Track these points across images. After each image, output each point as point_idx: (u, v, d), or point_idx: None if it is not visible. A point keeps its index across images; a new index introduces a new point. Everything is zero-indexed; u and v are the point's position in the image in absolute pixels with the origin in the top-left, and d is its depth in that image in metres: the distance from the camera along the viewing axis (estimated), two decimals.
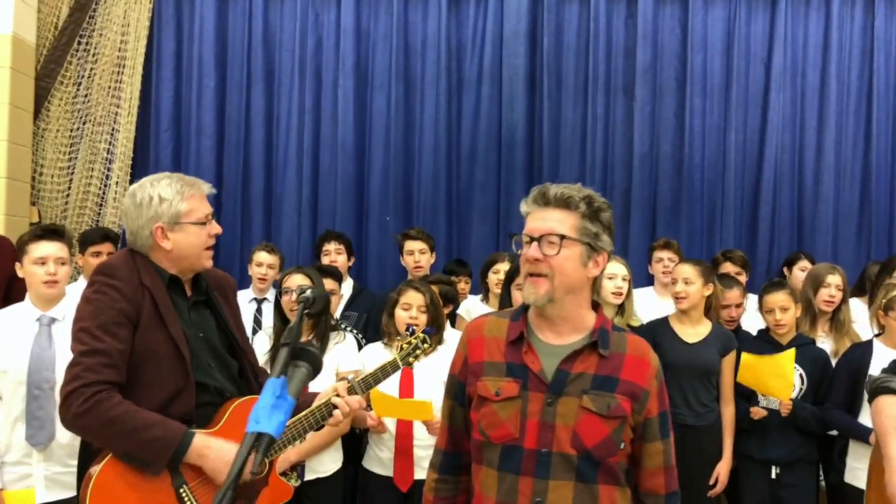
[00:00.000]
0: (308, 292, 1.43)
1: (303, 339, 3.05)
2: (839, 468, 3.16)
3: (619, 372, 1.63)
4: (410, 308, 3.02)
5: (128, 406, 1.87)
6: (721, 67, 5.05)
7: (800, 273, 4.24)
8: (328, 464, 3.00)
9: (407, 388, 2.97)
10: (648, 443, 1.67)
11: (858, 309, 3.85)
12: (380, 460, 2.99)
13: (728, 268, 4.06)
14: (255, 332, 3.69)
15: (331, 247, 4.23)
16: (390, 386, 2.90)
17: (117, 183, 4.82)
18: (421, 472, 2.93)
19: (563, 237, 1.59)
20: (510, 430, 1.61)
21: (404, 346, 2.56)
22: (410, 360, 2.56)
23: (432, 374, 2.99)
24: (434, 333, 2.68)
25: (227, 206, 4.95)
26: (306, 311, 1.40)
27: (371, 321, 3.83)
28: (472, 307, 3.89)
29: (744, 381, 3.19)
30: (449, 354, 3.05)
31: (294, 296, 2.66)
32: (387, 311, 3.10)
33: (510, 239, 1.73)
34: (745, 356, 3.19)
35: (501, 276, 3.67)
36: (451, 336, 3.19)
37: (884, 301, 3.07)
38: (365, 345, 3.31)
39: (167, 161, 4.92)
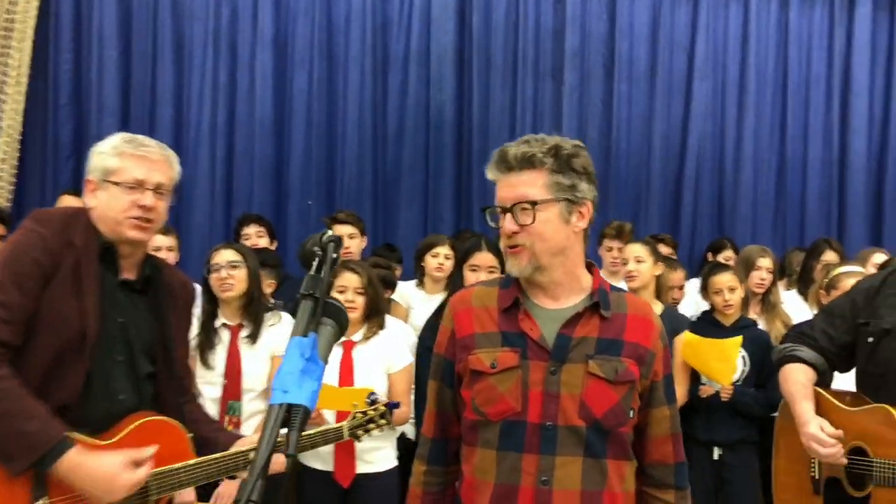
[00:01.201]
0: (329, 233, 1.18)
1: (232, 322, 2.77)
2: None
3: (623, 333, 1.49)
4: (346, 291, 2.78)
5: (13, 384, 1.60)
6: (646, 55, 5.07)
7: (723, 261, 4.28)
8: None
9: (347, 374, 2.74)
10: (655, 408, 1.54)
11: (781, 293, 3.91)
12: (318, 454, 2.74)
13: (662, 250, 4.04)
14: None
15: (251, 230, 3.93)
16: (329, 373, 2.68)
17: (4, 160, 4.30)
18: (364, 466, 2.73)
19: (534, 203, 1.44)
20: (511, 404, 1.45)
21: (358, 415, 2.29)
22: (359, 433, 2.28)
23: (374, 361, 2.78)
24: (396, 408, 2.42)
25: None
26: (336, 253, 1.14)
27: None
28: (407, 293, 3.70)
29: (686, 357, 3.16)
30: (390, 341, 2.90)
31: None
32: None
33: (483, 213, 1.57)
34: (688, 335, 3.16)
35: (441, 259, 3.51)
36: (390, 323, 2.98)
37: (825, 281, 3.10)
38: None
39: (67, 140, 4.45)
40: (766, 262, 3.66)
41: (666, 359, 1.55)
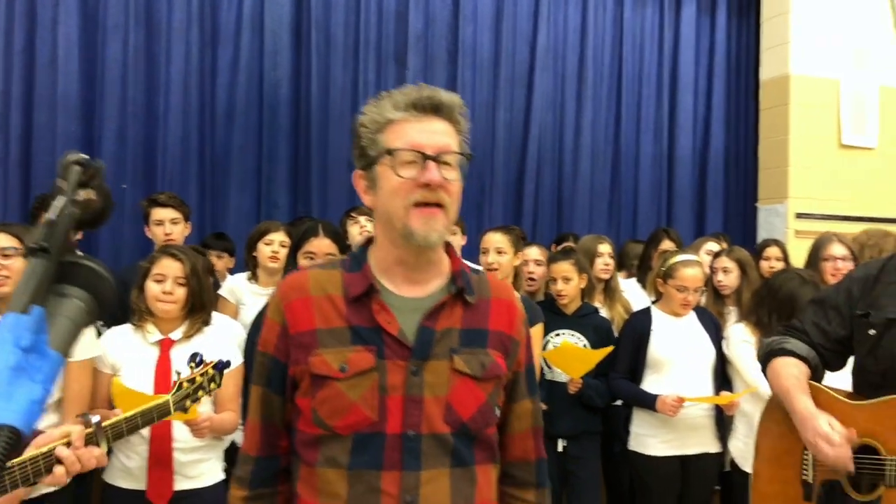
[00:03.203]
0: (76, 154, 0.77)
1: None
2: (623, 437, 3.17)
3: (487, 322, 1.29)
4: (165, 280, 2.41)
5: None
6: (490, 42, 5.02)
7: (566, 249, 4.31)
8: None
9: (163, 377, 2.38)
10: (517, 402, 1.35)
11: (620, 282, 3.98)
12: (127, 471, 2.35)
13: None
14: None
15: None
16: (142, 377, 2.32)
17: None
18: (183, 482, 2.37)
19: (469, 156, 1.26)
20: (366, 414, 1.19)
21: (184, 383, 2.00)
22: (188, 404, 2.01)
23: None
24: (226, 367, 2.13)
25: None
26: (86, 181, 0.74)
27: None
28: (236, 286, 3.35)
29: (549, 357, 3.12)
30: (216, 339, 2.57)
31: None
32: (136, 285, 2.46)
33: (370, 158, 1.26)
34: (566, 344, 3.12)
35: (276, 247, 3.21)
36: (217, 319, 2.65)
37: (663, 269, 3.13)
38: (105, 330, 2.61)
39: None
40: (606, 249, 3.74)
41: (528, 347, 1.38)
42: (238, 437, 2.75)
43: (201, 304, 2.47)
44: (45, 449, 1.51)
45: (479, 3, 4.96)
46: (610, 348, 3.09)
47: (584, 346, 3.21)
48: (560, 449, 3.18)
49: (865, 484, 1.65)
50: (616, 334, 3.31)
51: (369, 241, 1.33)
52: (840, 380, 1.88)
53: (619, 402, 3.28)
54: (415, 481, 1.19)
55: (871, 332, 1.73)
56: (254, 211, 4.36)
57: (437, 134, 1.23)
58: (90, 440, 1.58)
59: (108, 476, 2.41)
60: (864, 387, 1.77)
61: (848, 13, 5.47)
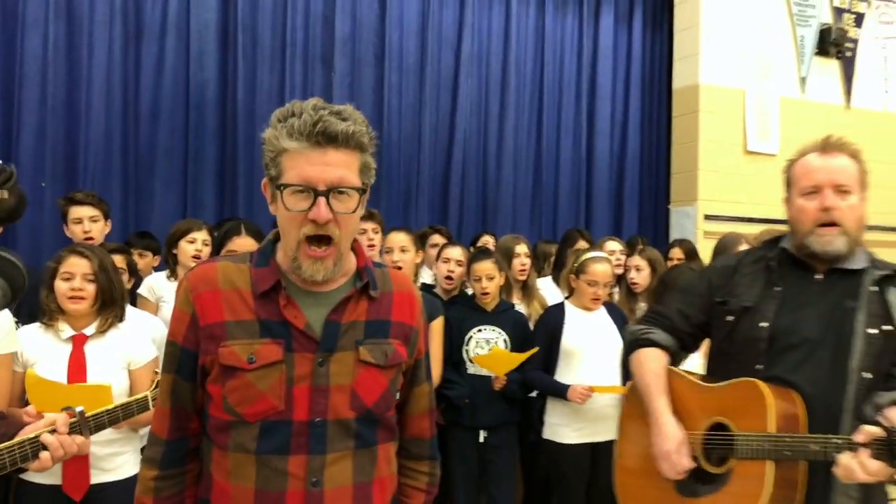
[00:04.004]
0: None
1: None
2: (538, 427, 3.33)
3: (390, 313, 1.40)
4: (73, 278, 2.42)
5: None
6: (416, 48, 5.14)
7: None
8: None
9: (77, 371, 2.40)
10: (416, 386, 1.49)
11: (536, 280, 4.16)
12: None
13: (437, 240, 4.12)
14: None
15: None
16: (55, 373, 2.34)
17: None
18: (100, 475, 2.39)
19: (362, 190, 1.29)
20: (273, 403, 1.28)
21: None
22: None
23: (112, 356, 2.45)
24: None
25: None
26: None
27: (25, 302, 3.07)
28: (156, 284, 3.35)
29: (479, 361, 3.26)
30: (131, 333, 2.59)
31: None
32: (45, 285, 2.48)
33: (275, 186, 1.29)
34: (496, 350, 3.29)
35: (199, 245, 3.24)
36: (133, 314, 2.68)
37: (575, 266, 3.31)
38: (19, 328, 2.61)
39: None
40: (523, 249, 3.88)
41: (426, 335, 1.50)
42: None
43: (112, 299, 2.49)
44: (31, 435, 1.58)
45: (405, 9, 5.07)
46: (535, 350, 3.25)
47: (505, 339, 3.36)
48: (481, 440, 3.32)
49: (718, 458, 1.79)
50: (532, 329, 3.47)
51: (277, 237, 1.39)
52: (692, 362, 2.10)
53: (534, 394, 3.44)
54: (320, 464, 1.29)
55: (729, 318, 1.88)
56: (179, 210, 4.35)
57: (331, 167, 1.25)
58: (74, 429, 1.64)
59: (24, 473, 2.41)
60: (719, 368, 1.92)
61: (753, 28, 5.83)
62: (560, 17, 5.65)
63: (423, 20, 5.15)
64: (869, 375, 1.70)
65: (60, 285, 2.42)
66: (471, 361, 3.32)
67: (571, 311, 3.34)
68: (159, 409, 1.39)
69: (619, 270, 3.95)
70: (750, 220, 5.56)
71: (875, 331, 1.72)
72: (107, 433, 2.36)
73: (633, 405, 2.03)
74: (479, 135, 5.36)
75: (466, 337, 3.35)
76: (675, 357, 2.00)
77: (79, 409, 1.80)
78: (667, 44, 6.03)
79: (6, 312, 2.40)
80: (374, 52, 4.98)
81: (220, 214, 4.40)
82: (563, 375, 3.25)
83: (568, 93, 5.68)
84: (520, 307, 3.72)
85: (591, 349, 3.26)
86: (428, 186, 5.15)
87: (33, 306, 2.73)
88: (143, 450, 2.53)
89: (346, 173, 1.27)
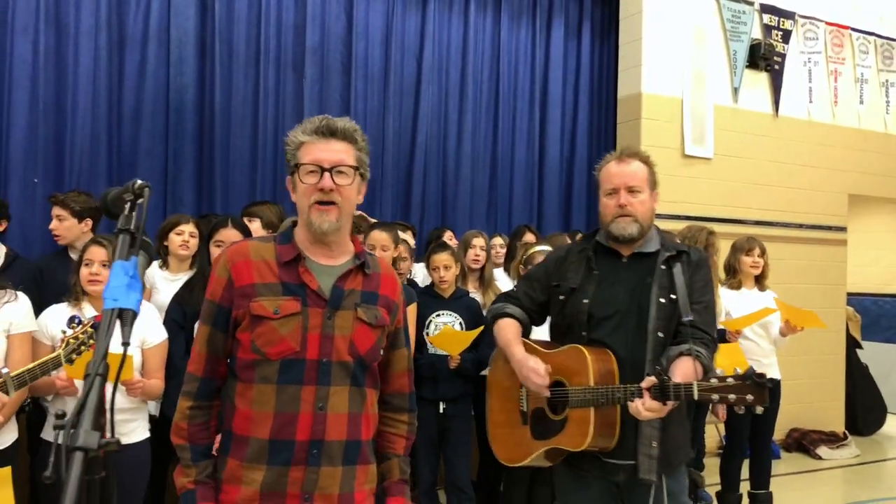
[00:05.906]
0: (138, 181, 1.37)
1: None
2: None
3: (379, 288, 1.83)
4: (92, 264, 2.81)
5: None
6: (380, 57, 5.53)
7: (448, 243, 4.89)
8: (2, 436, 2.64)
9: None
10: (398, 349, 1.91)
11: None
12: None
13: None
14: None
15: None
16: None
17: None
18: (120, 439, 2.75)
19: (355, 168, 1.73)
20: (291, 345, 1.68)
21: (70, 340, 2.46)
22: (74, 357, 2.46)
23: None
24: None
25: None
26: (140, 199, 1.34)
27: (29, 290, 3.39)
28: (148, 273, 3.70)
29: (433, 340, 3.68)
30: (144, 316, 2.93)
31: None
32: (74, 270, 2.86)
33: (294, 168, 1.74)
34: (447, 329, 3.71)
35: (186, 237, 3.60)
36: None
37: (524, 257, 3.75)
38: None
39: None
40: (479, 242, 4.33)
41: (404, 310, 1.93)
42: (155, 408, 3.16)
43: None
44: None
45: (370, 20, 5.46)
46: (480, 328, 3.67)
47: (460, 323, 3.79)
48: (441, 410, 3.75)
49: (558, 408, 2.30)
50: (485, 314, 3.90)
51: (294, 224, 1.82)
52: (540, 334, 2.63)
53: (485, 372, 3.85)
54: (325, 393, 1.71)
55: (561, 297, 2.39)
56: (160, 207, 4.67)
57: (334, 152, 1.72)
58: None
59: (49, 435, 2.76)
60: (556, 338, 2.43)
61: (691, 42, 6.36)
62: (514, 29, 6.09)
63: (388, 31, 5.54)
64: (661, 335, 2.24)
65: (83, 270, 2.78)
66: (430, 343, 3.74)
67: None
68: (196, 353, 1.77)
69: None
70: (687, 217, 6.04)
71: (664, 300, 2.25)
72: (121, 402, 2.73)
73: (495, 371, 2.56)
74: (440, 138, 5.77)
75: (427, 321, 3.77)
76: (526, 329, 2.52)
77: (5, 370, 2.27)
78: (613, 55, 6.51)
79: (24, 297, 2.75)
80: (341, 61, 5.36)
81: (199, 210, 4.74)
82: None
83: (522, 100, 6.12)
84: (476, 295, 4.15)
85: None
86: (391, 185, 5.54)
87: (42, 291, 3.09)
88: (151, 419, 2.94)
89: (344, 157, 1.72)
